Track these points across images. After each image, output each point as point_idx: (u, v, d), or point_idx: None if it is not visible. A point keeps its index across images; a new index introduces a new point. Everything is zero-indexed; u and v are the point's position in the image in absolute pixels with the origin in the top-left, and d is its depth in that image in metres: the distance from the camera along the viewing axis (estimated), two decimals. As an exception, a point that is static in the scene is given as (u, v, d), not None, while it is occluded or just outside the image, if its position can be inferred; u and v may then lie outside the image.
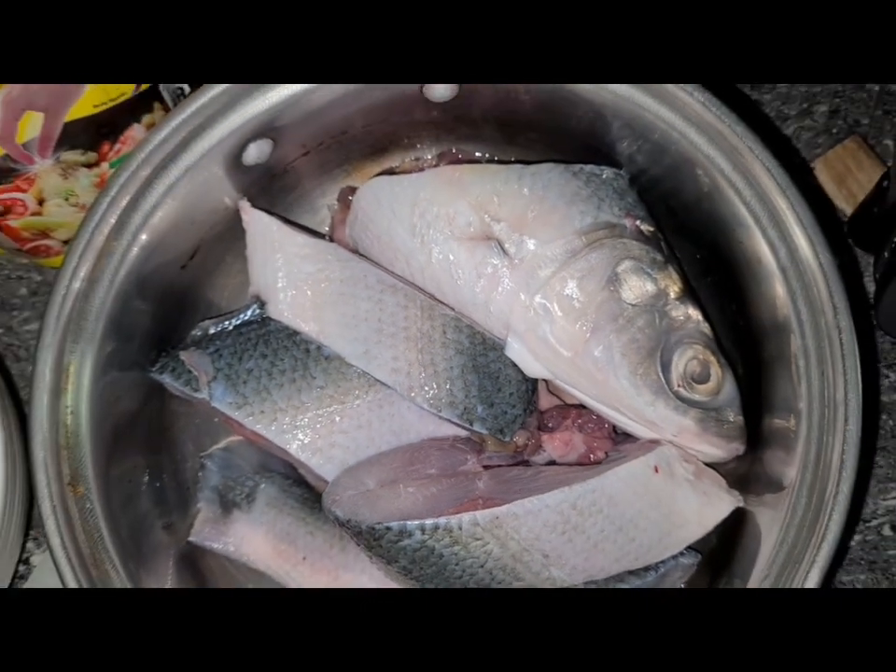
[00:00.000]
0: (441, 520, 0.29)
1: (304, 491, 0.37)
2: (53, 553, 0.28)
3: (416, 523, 0.29)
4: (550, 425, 0.36)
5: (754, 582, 0.31)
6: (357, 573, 0.34)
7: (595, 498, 0.31)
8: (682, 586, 0.34)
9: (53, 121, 0.34)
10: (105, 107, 0.35)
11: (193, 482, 0.37)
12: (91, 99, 0.35)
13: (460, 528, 0.29)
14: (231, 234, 0.36)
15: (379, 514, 0.30)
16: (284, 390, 0.33)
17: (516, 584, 0.31)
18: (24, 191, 0.36)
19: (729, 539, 0.34)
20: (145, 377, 0.35)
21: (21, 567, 0.40)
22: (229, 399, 0.33)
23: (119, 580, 0.29)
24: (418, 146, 0.39)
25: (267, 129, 0.33)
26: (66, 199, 0.38)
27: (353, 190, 0.38)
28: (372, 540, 0.30)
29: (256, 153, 0.34)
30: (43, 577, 0.39)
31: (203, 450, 0.38)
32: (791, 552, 0.31)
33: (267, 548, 0.36)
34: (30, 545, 0.41)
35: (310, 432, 0.33)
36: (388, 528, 0.29)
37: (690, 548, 0.34)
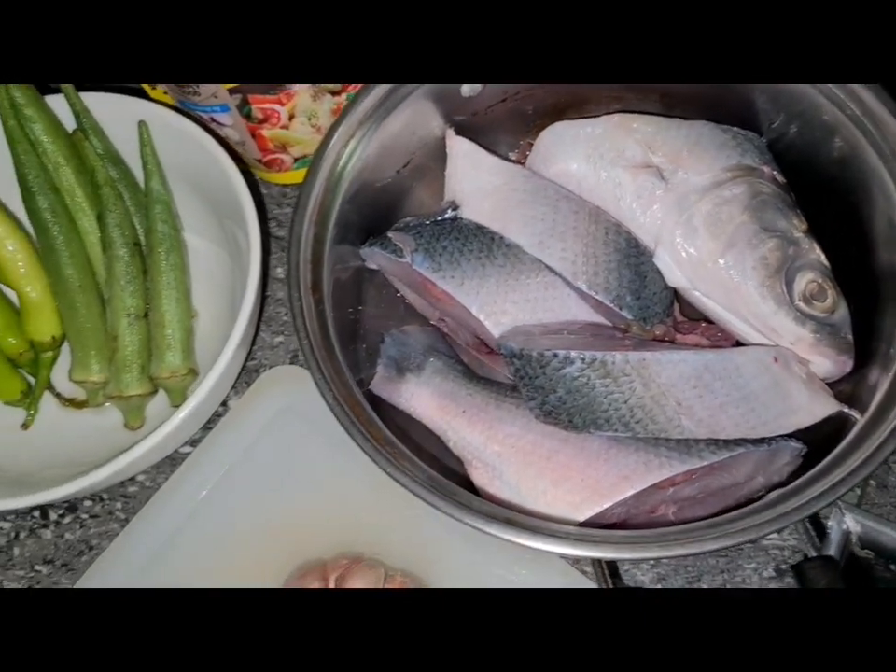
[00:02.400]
0: (598, 353, 0.36)
1: (465, 368, 0.44)
2: (300, 340, 0.36)
3: (577, 352, 0.36)
4: (680, 331, 0.42)
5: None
6: (508, 424, 0.40)
7: (725, 365, 0.37)
8: (787, 472, 0.39)
9: (320, 49, 0.45)
10: (357, 46, 0.46)
11: (375, 350, 0.45)
12: (349, 36, 0.45)
13: (613, 363, 0.36)
14: (435, 153, 0.45)
15: (547, 346, 0.37)
16: (471, 263, 0.41)
17: (651, 426, 0.36)
18: (282, 105, 0.46)
19: (829, 443, 0.39)
20: (355, 253, 0.43)
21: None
22: (427, 264, 0.41)
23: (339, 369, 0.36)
24: (592, 108, 0.47)
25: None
26: (309, 119, 0.48)
27: (530, 145, 0.48)
28: (539, 368, 0.37)
29: (469, 88, 0.44)
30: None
31: (385, 329, 0.46)
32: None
33: (431, 403, 0.42)
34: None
35: (488, 298, 0.41)
36: (555, 355, 0.36)
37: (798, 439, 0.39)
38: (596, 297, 0.40)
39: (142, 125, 0.43)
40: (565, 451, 0.39)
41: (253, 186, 0.42)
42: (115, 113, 0.43)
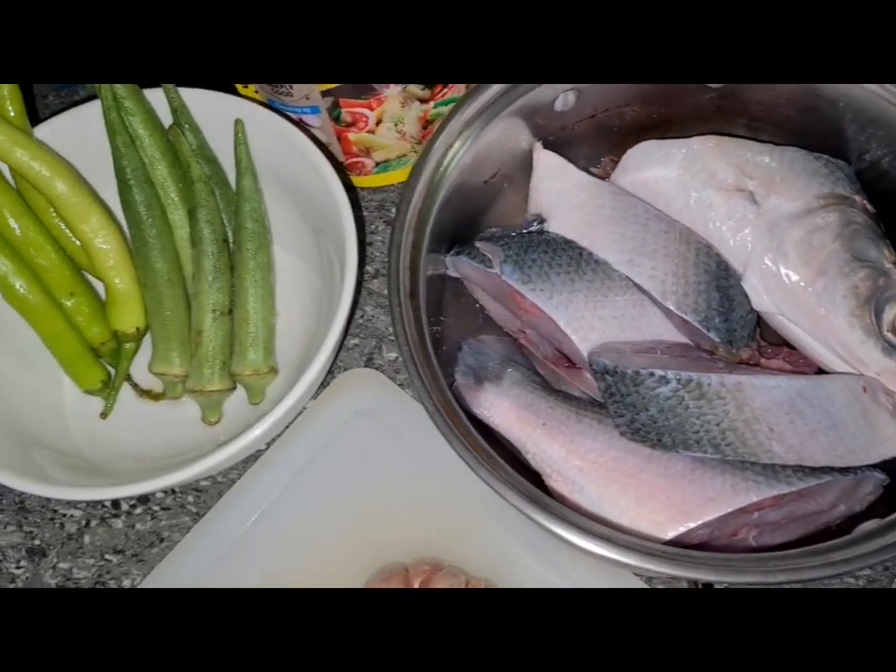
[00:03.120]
0: (694, 374, 0.36)
1: (542, 380, 0.44)
2: (400, 347, 0.36)
3: (673, 373, 0.36)
4: (764, 356, 0.42)
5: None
6: (590, 439, 0.40)
7: (817, 392, 0.37)
8: (869, 502, 0.39)
9: (414, 57, 0.45)
10: (450, 56, 0.46)
11: (451, 358, 0.45)
12: (445, 46, 0.45)
13: (709, 385, 0.36)
14: (520, 165, 0.45)
15: (641, 365, 0.37)
16: (560, 277, 0.41)
17: (741, 450, 0.37)
18: (371, 110, 0.47)
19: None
20: (440, 261, 0.43)
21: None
22: (516, 276, 0.41)
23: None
24: (677, 129, 0.47)
25: (579, 85, 0.43)
26: (395, 124, 0.48)
27: (613, 162, 0.48)
28: (632, 386, 0.37)
29: (563, 102, 0.44)
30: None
31: (462, 338, 0.46)
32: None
33: (511, 415, 0.42)
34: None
35: (576, 313, 0.41)
36: (651, 374, 0.36)
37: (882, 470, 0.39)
38: (685, 317, 0.40)
39: (238, 123, 0.43)
40: (649, 469, 0.39)
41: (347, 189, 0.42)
42: (211, 110, 0.44)
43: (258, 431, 0.38)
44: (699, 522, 0.37)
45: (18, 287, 0.41)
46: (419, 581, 0.38)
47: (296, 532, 0.43)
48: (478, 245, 0.43)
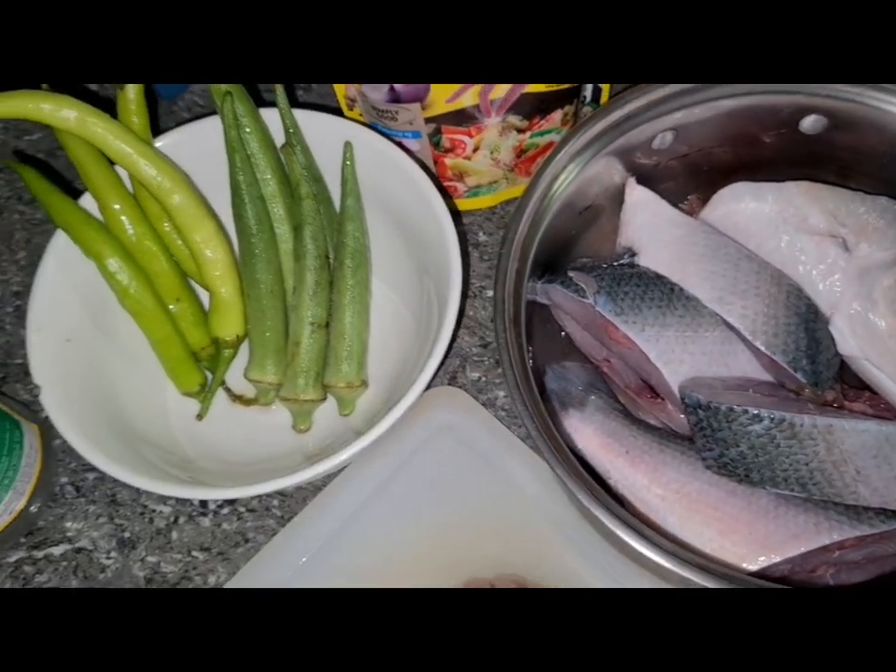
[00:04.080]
0: (787, 414, 0.37)
1: (624, 409, 0.46)
2: (505, 371, 0.38)
3: (767, 411, 0.37)
4: (847, 399, 0.43)
5: None
6: (673, 469, 0.42)
7: (904, 438, 0.38)
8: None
9: (516, 89, 0.46)
10: (550, 89, 0.47)
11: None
12: (547, 80, 0.47)
13: (801, 425, 0.37)
14: (612, 198, 0.47)
15: (734, 401, 0.38)
16: (652, 311, 0.43)
17: (827, 489, 0.38)
18: (471, 137, 0.48)
19: None
20: (531, 288, 0.45)
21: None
22: (609, 307, 0.43)
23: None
24: (765, 172, 0.49)
25: (677, 123, 0.44)
26: (491, 152, 0.50)
27: (699, 200, 0.49)
28: (725, 422, 0.38)
29: (660, 140, 0.45)
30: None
31: (545, 363, 0.47)
32: None
33: (594, 441, 0.44)
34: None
35: (667, 346, 0.42)
36: (745, 411, 0.38)
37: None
38: (773, 357, 0.41)
39: (347, 145, 0.45)
40: (732, 503, 0.40)
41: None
42: (321, 131, 0.45)
43: (353, 449, 0.40)
44: (781, 557, 0.38)
45: (133, 291, 0.43)
46: (506, 597, 0.39)
47: (378, 542, 0.45)
48: (571, 274, 0.44)
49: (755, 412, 0.37)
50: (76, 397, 0.41)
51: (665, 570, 0.34)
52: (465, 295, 0.50)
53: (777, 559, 0.38)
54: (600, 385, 0.47)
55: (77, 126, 0.41)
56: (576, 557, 0.43)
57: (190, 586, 0.46)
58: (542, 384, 0.45)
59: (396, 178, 0.44)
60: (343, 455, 0.40)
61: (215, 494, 0.40)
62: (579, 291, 0.44)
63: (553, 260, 0.46)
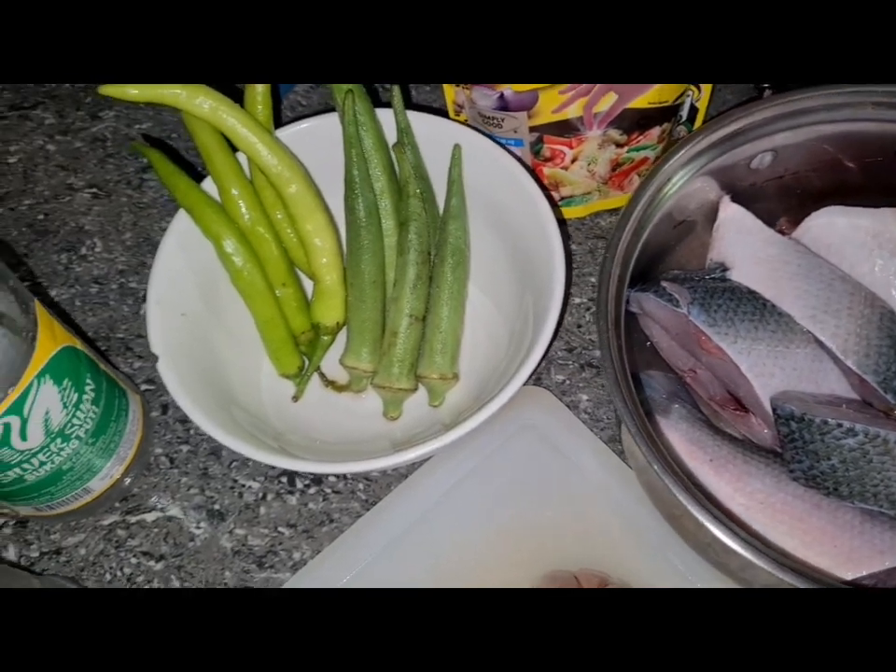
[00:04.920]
0: (882, 430, 0.38)
1: (707, 419, 0.47)
2: (606, 372, 0.39)
3: (861, 426, 0.38)
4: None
5: None
6: (757, 480, 0.43)
7: None
8: None
9: (620, 104, 0.48)
10: (652, 106, 0.49)
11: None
12: (649, 97, 0.48)
13: (895, 442, 0.38)
14: (705, 214, 0.48)
15: (828, 415, 0.39)
16: (744, 324, 0.44)
17: (915, 507, 0.38)
18: (571, 148, 0.50)
19: None
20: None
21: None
22: (703, 318, 0.44)
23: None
24: (855, 197, 0.50)
25: (777, 145, 0.46)
26: (588, 164, 0.51)
27: (788, 223, 0.50)
28: (818, 434, 0.39)
29: (759, 161, 0.47)
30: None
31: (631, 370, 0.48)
32: None
33: (679, 447, 0.45)
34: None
35: (758, 360, 0.43)
36: (839, 425, 0.38)
37: None
38: (864, 377, 0.42)
39: (457, 147, 0.47)
40: (818, 515, 0.41)
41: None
42: (430, 133, 0.47)
43: (442, 442, 0.41)
44: (867, 572, 0.39)
45: (245, 273, 0.45)
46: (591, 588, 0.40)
47: (459, 532, 0.46)
48: (664, 284, 0.46)
49: (849, 425, 0.38)
50: (186, 367, 0.43)
51: (755, 573, 0.35)
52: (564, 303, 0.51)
53: (863, 573, 0.39)
54: (683, 395, 0.48)
55: (210, 113, 0.43)
56: (655, 559, 0.44)
57: (275, 560, 0.47)
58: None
59: (503, 184, 0.46)
60: (431, 446, 0.41)
61: (306, 466, 0.41)
62: (672, 301, 0.45)
63: (645, 271, 0.48)
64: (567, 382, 0.51)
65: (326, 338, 0.48)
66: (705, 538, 0.39)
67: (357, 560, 0.46)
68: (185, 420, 0.52)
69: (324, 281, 0.47)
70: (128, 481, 0.49)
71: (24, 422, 0.39)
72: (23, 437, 0.39)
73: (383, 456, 0.41)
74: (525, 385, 0.49)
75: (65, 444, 0.42)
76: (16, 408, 0.38)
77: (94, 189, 0.60)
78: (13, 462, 0.40)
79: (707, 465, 0.44)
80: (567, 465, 0.47)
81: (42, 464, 0.42)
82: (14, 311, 0.38)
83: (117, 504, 0.49)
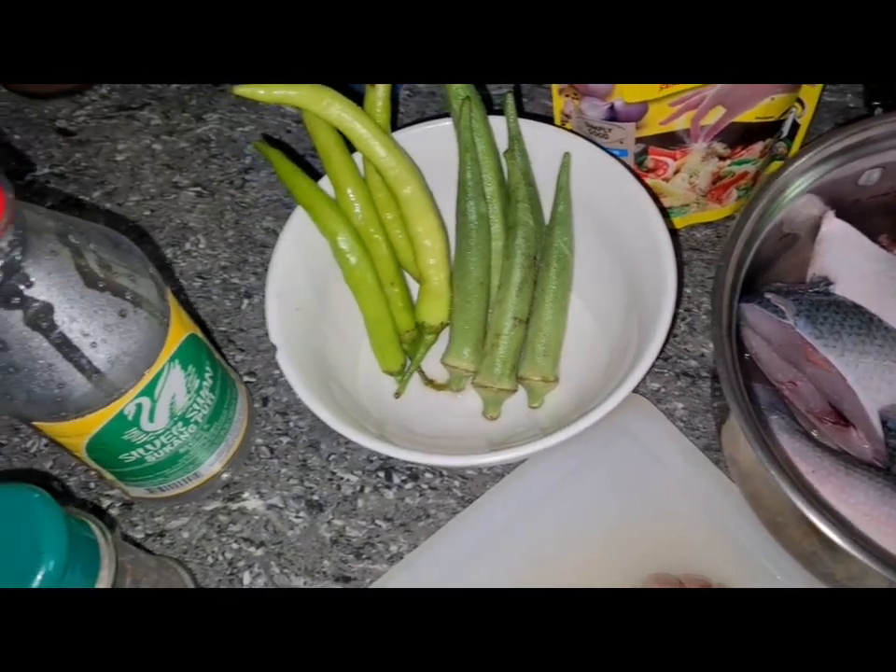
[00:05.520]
0: None
1: (805, 430, 0.47)
2: (721, 377, 0.40)
3: (977, 442, 0.38)
4: None
5: None
6: (860, 492, 0.43)
7: None
8: None
9: (727, 118, 0.49)
10: (758, 121, 0.50)
11: (721, 396, 0.48)
12: (757, 111, 0.49)
13: None
14: (807, 229, 0.48)
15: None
16: (851, 338, 0.44)
17: None
18: (674, 159, 0.51)
19: None
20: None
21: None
22: (809, 329, 0.44)
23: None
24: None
25: (887, 161, 0.46)
26: (690, 176, 0.52)
27: (889, 240, 0.50)
28: (930, 448, 0.39)
29: (867, 178, 0.47)
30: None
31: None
32: None
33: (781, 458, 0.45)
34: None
35: (865, 373, 0.43)
36: (953, 439, 0.39)
37: None
38: (971, 394, 0.42)
39: (567, 155, 0.48)
40: (925, 530, 0.41)
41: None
42: (540, 140, 0.49)
43: (542, 444, 0.42)
44: (977, 588, 0.39)
45: (358, 270, 0.47)
46: (695, 593, 0.40)
47: (554, 533, 0.47)
48: (769, 296, 0.46)
49: (964, 440, 0.39)
50: (300, 357, 0.45)
51: (864, 583, 0.35)
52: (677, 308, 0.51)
53: (972, 589, 0.39)
54: (781, 407, 0.48)
55: (332, 114, 0.45)
56: (752, 567, 0.45)
57: (373, 552, 0.48)
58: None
59: (613, 193, 0.47)
60: (533, 448, 0.42)
61: (407, 455, 0.42)
62: (778, 312, 0.45)
63: (746, 283, 0.48)
64: (663, 390, 0.52)
65: (429, 337, 0.50)
66: (810, 546, 0.39)
67: (453, 556, 0.47)
68: (284, 412, 0.53)
69: (431, 281, 0.48)
70: (232, 469, 0.50)
71: (154, 404, 0.41)
72: (151, 419, 0.41)
73: (483, 453, 0.42)
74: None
75: (185, 428, 0.44)
76: (149, 390, 0.40)
77: (198, 188, 0.62)
78: (139, 443, 0.42)
79: (810, 476, 0.44)
80: (663, 471, 0.48)
81: (163, 446, 0.43)
82: (153, 296, 0.39)
83: (219, 491, 0.51)
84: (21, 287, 0.34)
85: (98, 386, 0.37)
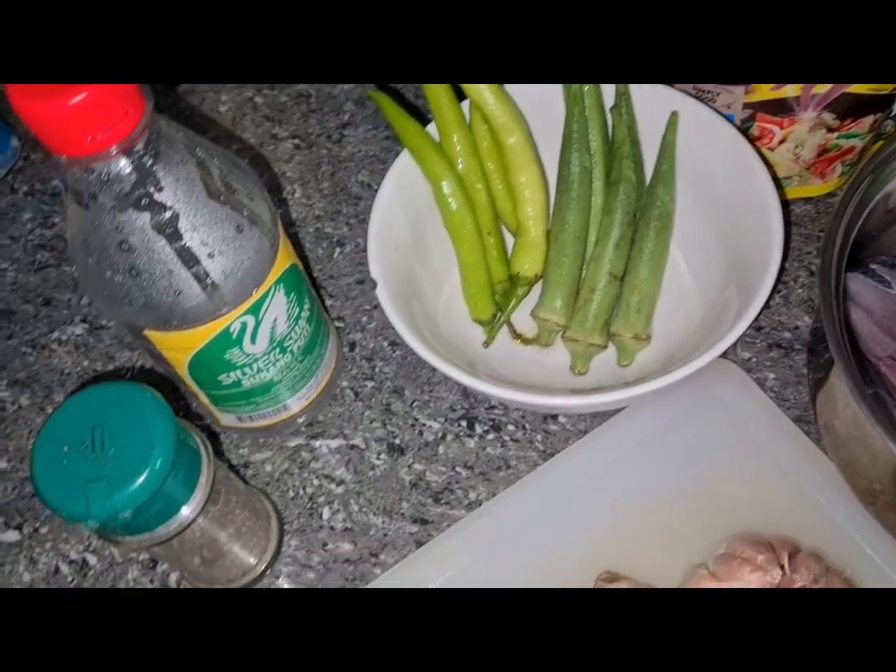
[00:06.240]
0: None
1: (904, 408, 0.46)
2: (829, 338, 0.39)
3: None
4: None
5: None
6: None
7: None
8: None
9: (840, 87, 0.48)
10: (872, 93, 0.49)
11: (816, 367, 0.47)
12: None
13: None
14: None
15: None
16: (961, 311, 0.43)
17: None
18: (781, 128, 0.50)
19: None
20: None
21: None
22: (916, 299, 0.44)
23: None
24: None
25: None
26: (795, 147, 0.51)
27: None
28: None
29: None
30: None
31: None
32: None
33: (875, 430, 0.44)
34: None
35: (974, 347, 0.42)
36: None
37: None
38: None
39: (674, 114, 0.48)
40: None
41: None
42: (647, 98, 0.48)
43: (629, 392, 0.41)
44: None
45: (459, 215, 0.47)
46: (785, 554, 0.40)
47: (637, 491, 0.46)
48: (874, 266, 0.45)
49: None
50: (398, 294, 0.46)
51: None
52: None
53: None
54: (877, 382, 0.47)
55: (446, 60, 0.45)
56: (841, 539, 0.44)
57: (451, 498, 0.49)
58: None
59: (722, 155, 0.46)
60: (619, 395, 0.42)
61: (500, 392, 0.42)
62: (883, 282, 0.45)
63: (851, 254, 0.47)
64: (754, 360, 0.51)
65: (521, 289, 0.50)
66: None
67: (533, 506, 0.47)
68: (370, 358, 0.54)
69: (529, 233, 0.49)
70: (317, 407, 0.51)
71: (257, 325, 0.42)
72: (253, 340, 0.42)
73: (570, 395, 0.42)
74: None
75: (281, 356, 0.45)
76: (255, 308, 0.41)
77: (297, 140, 0.64)
78: (238, 364, 0.43)
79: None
80: (751, 438, 0.47)
81: (259, 371, 0.44)
82: (266, 218, 0.40)
83: (302, 429, 0.52)
84: (152, 190, 0.35)
85: (210, 298, 0.38)
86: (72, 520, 0.34)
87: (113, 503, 0.34)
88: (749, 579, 0.39)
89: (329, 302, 0.56)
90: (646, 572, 0.43)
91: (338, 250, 0.58)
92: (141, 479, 0.34)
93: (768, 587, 0.38)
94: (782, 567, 0.39)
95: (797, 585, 0.38)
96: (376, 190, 0.49)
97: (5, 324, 0.58)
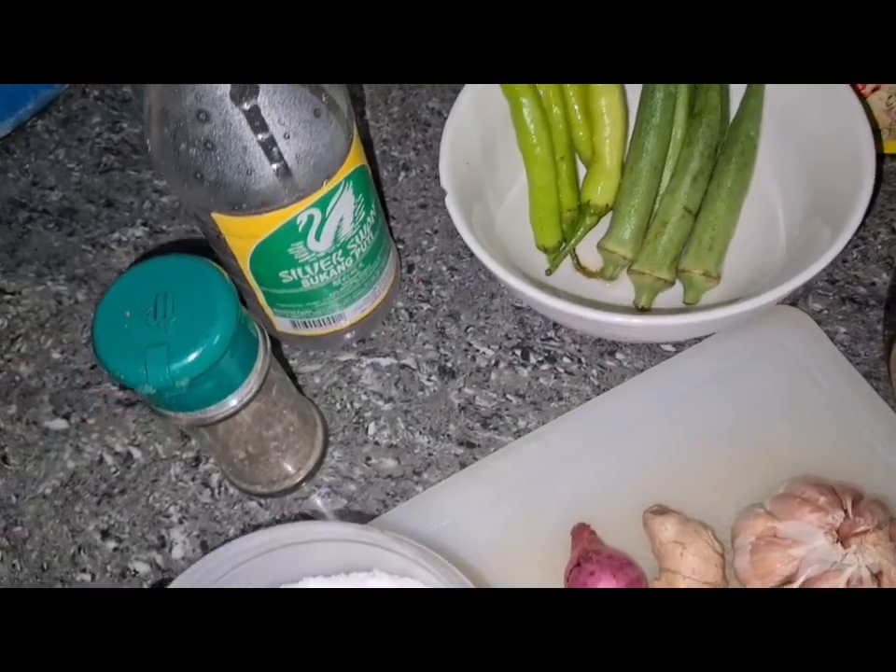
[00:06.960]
0: None
1: (984, 370, 0.44)
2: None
3: None
4: None
5: None
6: None
7: None
8: None
9: (945, 33, 0.46)
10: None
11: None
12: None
13: None
14: None
15: None
16: None
17: None
18: (877, 75, 0.48)
19: None
20: None
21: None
22: None
23: None
24: None
25: None
26: (889, 97, 0.49)
27: None
28: None
29: None
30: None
31: None
32: None
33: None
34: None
35: None
36: None
37: None
38: None
39: (767, 47, 0.46)
40: None
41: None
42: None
43: (692, 319, 0.41)
44: None
45: (535, 135, 0.46)
46: (849, 498, 0.38)
47: (692, 431, 0.45)
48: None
49: None
50: (467, 206, 0.45)
51: None
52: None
53: None
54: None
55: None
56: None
57: (500, 424, 0.48)
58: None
59: (814, 94, 0.45)
60: (682, 319, 0.41)
61: (568, 307, 0.41)
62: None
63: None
64: (825, 312, 0.49)
65: (590, 219, 0.49)
66: None
67: (585, 436, 0.46)
68: (428, 281, 0.53)
69: (603, 161, 0.47)
70: (370, 324, 0.50)
71: (324, 220, 0.41)
72: (318, 236, 0.42)
73: (632, 314, 0.41)
74: (783, 304, 0.48)
75: (343, 259, 0.44)
76: (323, 202, 0.40)
77: (369, 64, 0.63)
78: (300, 261, 0.42)
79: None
80: (817, 388, 0.45)
81: (320, 272, 0.44)
82: (344, 108, 0.40)
83: (354, 345, 0.51)
84: (234, 59, 0.34)
85: (282, 181, 0.38)
86: (129, 383, 0.34)
87: (171, 369, 0.34)
88: (808, 519, 0.37)
89: (391, 224, 0.55)
90: (696, 510, 0.42)
91: (403, 174, 0.58)
92: (200, 350, 0.34)
93: (827, 528, 0.37)
94: (845, 511, 0.37)
95: (859, 529, 0.36)
96: (446, 118, 0.48)
97: (67, 221, 0.58)
